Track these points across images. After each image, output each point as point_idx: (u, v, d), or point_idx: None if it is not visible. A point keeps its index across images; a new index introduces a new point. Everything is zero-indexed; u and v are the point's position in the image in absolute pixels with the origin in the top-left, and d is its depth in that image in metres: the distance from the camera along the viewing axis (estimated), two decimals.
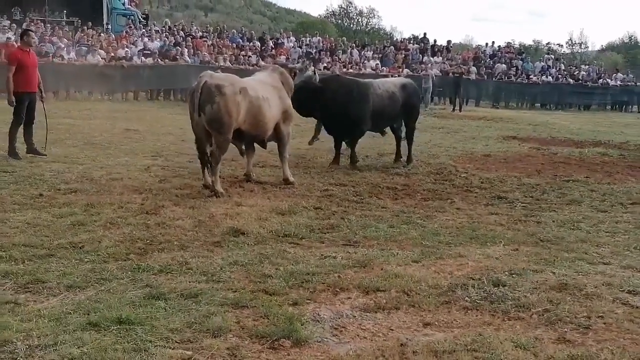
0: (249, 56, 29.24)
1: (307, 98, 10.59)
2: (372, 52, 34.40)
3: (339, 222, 7.46)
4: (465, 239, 6.95)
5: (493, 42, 38.75)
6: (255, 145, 9.72)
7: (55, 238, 6.27)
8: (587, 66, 40.41)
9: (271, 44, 32.32)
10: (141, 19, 33.75)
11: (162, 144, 13.26)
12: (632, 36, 71.95)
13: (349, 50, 33.73)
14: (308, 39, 34.79)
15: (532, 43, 66.14)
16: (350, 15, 69.47)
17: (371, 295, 5.16)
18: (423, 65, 32.23)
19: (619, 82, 36.60)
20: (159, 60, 26.53)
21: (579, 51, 68.71)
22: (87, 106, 21.21)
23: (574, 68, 39.06)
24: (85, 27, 28.18)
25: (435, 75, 30.37)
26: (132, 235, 6.50)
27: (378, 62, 32.55)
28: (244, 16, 72.39)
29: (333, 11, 70.03)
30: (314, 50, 32.36)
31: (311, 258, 6.03)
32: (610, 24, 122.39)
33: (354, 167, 11.01)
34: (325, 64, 28.45)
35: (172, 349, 4.06)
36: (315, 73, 12.44)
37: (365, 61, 32.62)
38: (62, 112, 16.53)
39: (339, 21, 68.46)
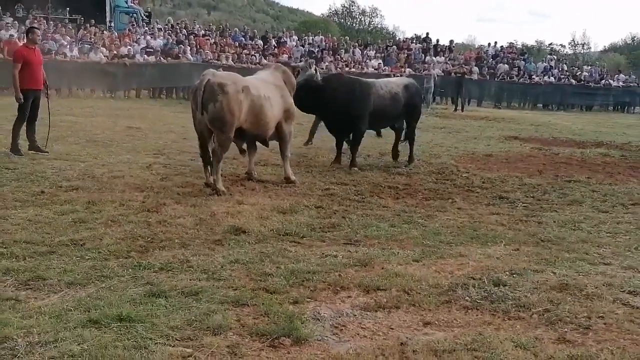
0: (253, 55, 29.24)
1: (309, 96, 10.59)
2: (374, 51, 34.42)
3: (340, 221, 7.46)
4: (466, 239, 6.95)
5: (495, 43, 38.85)
6: (257, 143, 9.72)
7: (57, 235, 6.28)
8: (589, 67, 40.41)
9: (274, 42, 32.33)
10: (144, 16, 33.73)
11: (164, 142, 13.27)
12: (634, 37, 71.90)
13: (351, 50, 33.70)
14: (311, 38, 34.79)
15: (534, 44, 66.11)
16: (353, 14, 69.47)
17: (372, 294, 5.17)
18: (426, 65, 32.23)
19: (621, 83, 36.61)
20: (162, 58, 26.53)
21: (582, 52, 68.63)
22: (89, 104, 21.21)
23: (577, 69, 39.06)
24: (88, 25, 28.18)
25: (438, 75, 30.39)
26: (133, 232, 6.50)
27: (380, 61, 32.56)
28: (246, 15, 72.43)
29: (336, 10, 70.06)
30: (317, 49, 32.35)
31: (312, 257, 6.03)
32: (613, 25, 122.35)
33: (352, 169, 10.95)
34: (326, 63, 28.41)
35: (173, 346, 4.06)
36: (317, 71, 12.44)
37: (368, 60, 32.63)
38: (64, 110, 16.53)
39: (342, 20, 68.43)
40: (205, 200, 8.13)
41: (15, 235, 6.18)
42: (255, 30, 36.81)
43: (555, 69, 36.95)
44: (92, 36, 26.62)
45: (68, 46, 24.55)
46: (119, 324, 4.28)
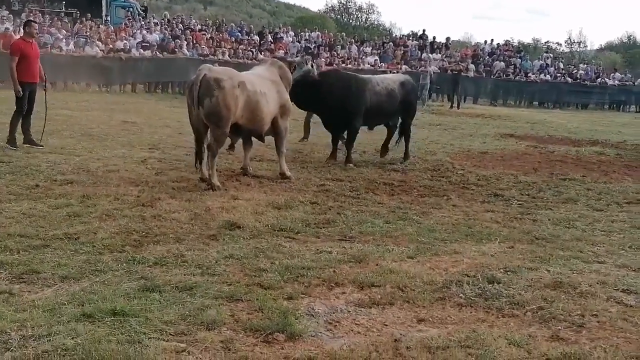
0: (250, 50, 29.19)
1: (305, 92, 10.58)
2: (371, 48, 34.37)
3: (335, 217, 7.46)
4: (461, 236, 6.96)
5: (492, 40, 38.80)
6: (253, 139, 9.71)
7: (51, 229, 6.27)
8: (585, 65, 40.40)
9: (270, 38, 32.27)
10: (140, 11, 33.65)
11: (159, 137, 13.25)
12: (631, 36, 72.07)
13: (347, 46, 33.66)
14: (307, 33, 34.73)
15: (531, 41, 66.16)
16: (350, 10, 69.42)
17: (366, 291, 5.17)
18: (422, 62, 32.21)
19: (617, 82, 36.60)
20: (158, 53, 26.48)
21: (578, 50, 68.73)
22: (84, 98, 21.17)
23: (573, 67, 39.06)
24: (84, 19, 28.10)
25: (434, 72, 30.36)
26: (128, 227, 6.49)
27: (377, 58, 32.51)
28: (243, 10, 72.25)
29: (332, 6, 70.00)
30: (313, 45, 32.31)
31: (306, 252, 6.03)
32: (609, 23, 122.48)
33: (347, 166, 10.93)
34: (315, 60, 28.40)
35: (166, 341, 4.06)
36: (313, 67, 12.44)
37: (364, 57, 32.60)
38: (59, 103, 16.49)
39: (338, 16, 68.38)
40: (200, 195, 8.12)
41: (10, 229, 6.17)
42: (252, 26, 36.71)
43: (551, 67, 36.95)
44: (88, 30, 26.55)
45: (64, 40, 24.48)
46: (112, 318, 4.27)
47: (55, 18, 27.50)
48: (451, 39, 40.36)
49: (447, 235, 6.94)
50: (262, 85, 9.04)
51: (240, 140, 10.09)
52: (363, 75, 12.39)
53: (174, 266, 5.45)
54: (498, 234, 7.09)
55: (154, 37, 27.81)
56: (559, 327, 4.59)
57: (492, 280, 5.44)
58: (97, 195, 7.71)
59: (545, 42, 65.97)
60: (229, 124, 8.52)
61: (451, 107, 28.41)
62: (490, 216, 8.01)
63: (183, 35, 28.52)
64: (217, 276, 5.26)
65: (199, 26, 32.13)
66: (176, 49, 26.87)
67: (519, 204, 8.82)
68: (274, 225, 6.88)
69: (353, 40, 35.78)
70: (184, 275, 5.23)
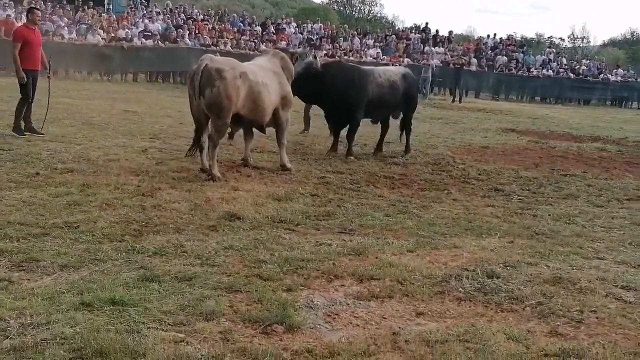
0: (253, 41, 29.13)
1: (308, 84, 10.56)
2: (373, 40, 34.32)
3: (335, 210, 7.46)
4: (461, 230, 6.96)
5: (495, 35, 38.76)
6: (254, 130, 9.70)
7: (51, 217, 6.26)
8: (588, 61, 40.35)
9: (272, 29, 32.21)
10: (142, 0, 33.58)
11: (160, 127, 13.24)
12: (634, 32, 71.82)
13: (350, 38, 33.60)
14: (309, 25, 34.66)
15: (534, 36, 66.02)
16: (353, 2, 69.25)
17: (365, 284, 5.17)
18: (424, 55, 32.16)
19: (619, 78, 36.55)
20: (159, 42, 26.43)
21: (581, 46, 68.56)
22: (85, 86, 21.16)
23: (575, 62, 39.01)
24: (86, 7, 28.05)
25: (436, 66, 30.31)
26: (128, 216, 6.49)
27: (379, 50, 32.47)
28: (245, 0, 72.05)
29: None
30: (315, 37, 32.25)
31: (306, 245, 6.03)
32: (612, 19, 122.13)
33: (348, 158, 10.91)
34: (325, 51, 28.34)
35: (165, 331, 4.06)
36: (316, 58, 12.41)
37: (366, 49, 32.54)
38: (60, 92, 16.42)
39: (341, 8, 68.24)
40: (200, 185, 8.11)
41: (9, 217, 6.17)
42: (254, 16, 36.64)
43: (554, 62, 36.91)
44: (90, 18, 26.49)
45: (66, 28, 24.44)
46: (111, 307, 4.28)
47: (57, 6, 27.42)
48: (454, 32, 40.29)
49: (447, 230, 6.94)
50: (264, 76, 9.02)
51: (241, 131, 10.07)
52: (365, 67, 12.36)
53: (174, 256, 5.45)
54: (498, 229, 7.09)
55: (156, 26, 27.79)
56: (558, 323, 4.58)
57: (491, 274, 5.44)
58: (98, 184, 7.71)
59: (549, 37, 65.85)
60: (230, 115, 8.51)
61: (453, 101, 28.41)
62: (490, 211, 8.01)
63: (185, 25, 28.47)
64: (216, 267, 5.26)
65: (201, 16, 32.06)
66: (178, 39, 26.82)
67: (520, 199, 8.82)
68: (274, 217, 6.88)
69: (355, 32, 35.72)
70: (184, 265, 5.23)
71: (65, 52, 22.41)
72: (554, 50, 42.86)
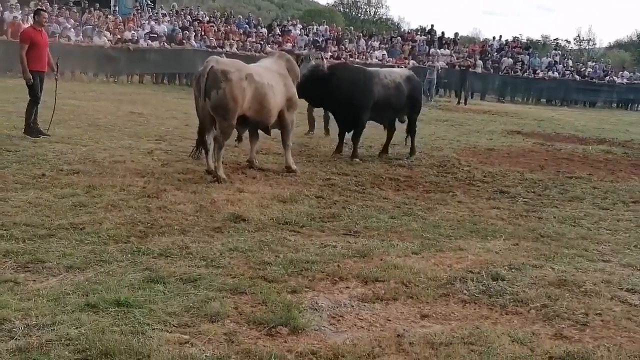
0: (259, 43, 29.15)
1: (315, 87, 10.55)
2: (379, 42, 34.31)
3: (340, 212, 7.46)
4: (466, 232, 6.96)
5: (500, 36, 38.67)
6: (260, 132, 9.71)
7: (57, 218, 6.28)
8: (594, 63, 40.26)
9: (278, 30, 32.24)
10: (149, 1, 33.65)
11: (166, 128, 13.27)
12: None
13: (355, 40, 33.60)
14: (315, 27, 34.68)
15: (540, 38, 65.88)
16: (358, 4, 69.22)
17: (370, 286, 5.17)
18: (430, 57, 32.13)
19: (625, 80, 36.42)
20: (165, 44, 26.49)
21: (587, 48, 68.40)
22: (92, 88, 21.23)
23: (581, 64, 38.92)
24: (92, 9, 28.11)
25: (441, 68, 30.26)
26: (133, 218, 6.51)
27: (385, 52, 32.45)
28: (251, 2, 72.08)
29: (341, 0, 69.80)
30: (321, 39, 32.26)
31: (311, 246, 6.03)
32: (619, 21, 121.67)
33: (353, 160, 10.91)
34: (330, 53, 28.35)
35: (170, 332, 4.07)
36: (323, 59, 12.41)
37: (372, 51, 32.54)
38: (67, 93, 16.49)
39: (347, 10, 68.19)
40: (205, 187, 8.13)
41: (15, 218, 6.19)
42: (260, 18, 36.67)
43: (559, 64, 36.83)
44: (96, 20, 26.55)
45: (72, 29, 24.50)
46: (116, 308, 4.29)
47: (64, 7, 27.50)
48: (460, 34, 40.24)
49: (452, 232, 6.94)
50: (270, 77, 9.04)
51: (246, 133, 10.08)
52: (370, 69, 12.36)
53: (179, 258, 5.47)
54: (503, 231, 7.08)
55: (162, 28, 27.81)
56: (563, 326, 4.58)
57: (496, 277, 5.43)
58: (103, 186, 7.73)
59: (554, 39, 65.69)
60: (236, 116, 8.53)
61: (458, 103, 28.37)
62: (495, 213, 8.00)
63: (191, 27, 28.50)
64: (221, 268, 5.27)
65: (207, 18, 32.09)
66: (184, 41, 26.87)
67: (525, 202, 8.81)
68: (279, 219, 6.88)
69: (361, 34, 35.69)
70: (189, 267, 5.24)
71: (71, 53, 22.47)
72: (560, 52, 42.75)
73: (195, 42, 27.20)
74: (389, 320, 4.56)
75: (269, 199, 7.73)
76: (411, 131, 12.13)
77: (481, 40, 44.93)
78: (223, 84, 8.28)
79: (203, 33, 28.32)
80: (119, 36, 25.66)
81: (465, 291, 5.14)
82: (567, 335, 4.42)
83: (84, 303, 4.34)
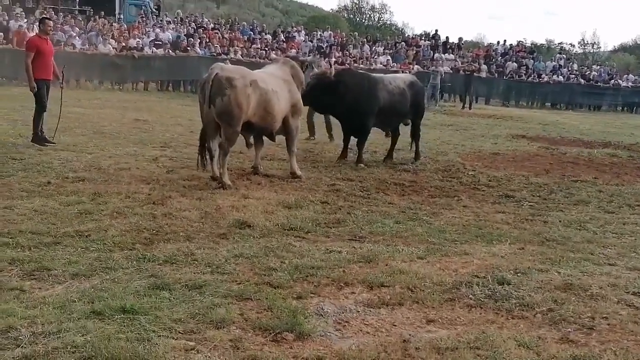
0: (264, 49, 29.21)
1: (324, 94, 10.51)
2: (383, 47, 34.35)
3: (345, 217, 7.46)
4: (471, 237, 6.95)
5: (505, 41, 38.69)
6: (264, 138, 9.72)
7: (62, 226, 6.30)
8: (598, 67, 40.22)
9: (282, 37, 32.31)
10: (153, 9, 33.78)
11: (171, 135, 13.30)
12: None
13: (359, 46, 33.64)
14: (319, 33, 34.75)
15: (544, 42, 65.87)
16: (362, 10, 69.38)
17: (375, 291, 5.16)
18: (434, 62, 32.14)
19: (630, 84, 36.38)
20: (170, 51, 26.56)
21: (591, 51, 68.35)
22: (97, 95, 21.30)
23: (586, 68, 38.87)
24: (97, 17, 28.24)
25: (445, 73, 30.25)
26: (139, 225, 6.52)
27: (389, 57, 32.49)
28: (255, 9, 72.21)
29: (345, 6, 69.98)
30: (325, 45, 32.32)
31: (316, 252, 6.03)
32: (623, 25, 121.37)
33: (358, 166, 10.90)
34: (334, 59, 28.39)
35: (175, 339, 4.07)
36: (332, 66, 12.40)
37: (376, 57, 32.58)
38: (72, 101, 16.54)
39: (351, 16, 68.34)
40: (210, 193, 8.14)
41: (21, 226, 6.20)
42: (264, 25, 36.75)
43: (564, 68, 36.80)
44: (101, 28, 26.66)
45: (77, 37, 24.60)
46: (122, 315, 4.29)
47: (69, 16, 27.62)
48: (464, 39, 40.24)
49: (457, 236, 6.93)
50: (274, 83, 9.05)
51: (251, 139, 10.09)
52: (374, 74, 12.36)
53: (184, 264, 5.47)
54: (508, 235, 7.07)
55: (167, 35, 27.95)
56: (569, 330, 4.56)
57: (502, 281, 5.42)
58: (109, 193, 7.74)
59: (559, 43, 65.70)
60: (241, 123, 8.54)
61: (463, 107, 28.36)
62: (501, 217, 7.99)
63: (196, 34, 28.62)
64: (226, 275, 5.27)
65: (212, 25, 32.20)
66: (189, 48, 26.94)
67: (530, 206, 8.79)
68: (284, 225, 6.88)
69: (365, 39, 35.76)
70: (194, 273, 5.25)
71: (76, 61, 22.57)
72: (564, 56, 42.71)
73: (200, 49, 27.28)
74: (395, 326, 4.55)
75: (274, 204, 7.74)
76: (415, 136, 12.14)
77: (485, 44, 44.91)
78: (228, 90, 8.29)
79: (208, 40, 28.41)
80: (123, 44, 25.77)
81: (471, 296, 5.13)
82: (574, 339, 4.41)
83: (90, 310, 4.34)
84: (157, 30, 28.30)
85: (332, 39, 34.07)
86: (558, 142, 16.98)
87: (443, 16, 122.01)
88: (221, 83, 8.32)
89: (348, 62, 28.73)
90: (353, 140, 11.45)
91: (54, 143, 10.94)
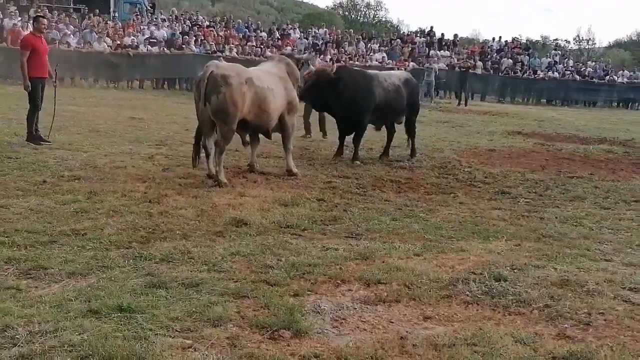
0: (260, 47, 29.17)
1: (326, 92, 10.49)
2: (378, 44, 34.33)
3: (341, 214, 7.46)
4: (468, 234, 6.95)
5: (500, 37, 38.73)
6: (260, 136, 9.72)
7: (58, 225, 6.28)
8: (594, 63, 40.28)
9: (277, 34, 32.28)
10: (148, 7, 33.72)
11: (167, 133, 13.28)
12: None
13: (355, 43, 33.62)
14: (314, 30, 34.72)
15: (539, 39, 65.93)
16: (358, 7, 69.39)
17: (372, 288, 5.16)
18: (430, 59, 32.14)
19: (625, 80, 36.47)
20: (165, 49, 26.52)
21: (587, 47, 68.44)
22: (92, 94, 21.27)
23: (581, 64, 38.92)
24: (92, 15, 28.18)
25: (440, 69, 30.25)
26: (135, 223, 6.50)
27: (384, 54, 32.47)
28: (250, 6, 72.16)
29: (340, 3, 69.96)
30: (320, 42, 32.29)
31: (313, 249, 6.02)
32: (618, 21, 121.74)
33: (354, 163, 10.90)
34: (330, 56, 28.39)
35: (172, 337, 4.07)
36: (333, 63, 12.37)
37: (372, 54, 32.57)
38: (67, 99, 16.54)
39: (346, 13, 68.36)
40: (207, 191, 8.13)
41: (17, 225, 6.19)
42: (259, 22, 36.72)
43: (559, 64, 36.85)
44: (96, 26, 26.61)
45: (72, 35, 24.55)
46: (119, 314, 4.29)
47: (64, 14, 27.55)
48: (459, 35, 40.28)
49: (453, 233, 6.94)
50: (270, 81, 9.04)
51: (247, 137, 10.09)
52: (370, 71, 12.35)
53: (181, 263, 5.46)
54: (505, 232, 7.07)
55: (162, 33, 27.89)
56: (566, 325, 4.57)
57: (498, 278, 5.42)
58: (104, 192, 7.73)
59: (554, 40, 65.76)
60: (237, 120, 8.53)
61: (459, 104, 28.39)
62: (497, 214, 7.99)
63: (191, 32, 28.57)
64: (223, 273, 5.27)
65: (207, 22, 32.16)
66: (184, 45, 26.90)
67: (526, 202, 8.80)
68: (280, 222, 6.88)
69: (361, 37, 35.73)
70: (191, 271, 5.24)
71: (71, 59, 22.53)
72: (560, 53, 42.81)
73: (195, 47, 27.25)
74: (392, 323, 4.55)
75: (270, 202, 7.73)
76: (411, 133, 12.14)
77: (481, 41, 44.96)
78: (223, 88, 8.28)
79: (203, 38, 28.38)
80: (118, 42, 25.72)
81: (467, 292, 5.13)
82: (570, 335, 4.41)
83: (87, 309, 4.34)
84: (152, 28, 28.23)
85: (328, 36, 34.03)
86: (554, 139, 17.01)
87: (438, 13, 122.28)
88: (216, 81, 8.31)
89: (343, 59, 28.70)
90: (349, 138, 11.43)
91: (49, 142, 10.91)
